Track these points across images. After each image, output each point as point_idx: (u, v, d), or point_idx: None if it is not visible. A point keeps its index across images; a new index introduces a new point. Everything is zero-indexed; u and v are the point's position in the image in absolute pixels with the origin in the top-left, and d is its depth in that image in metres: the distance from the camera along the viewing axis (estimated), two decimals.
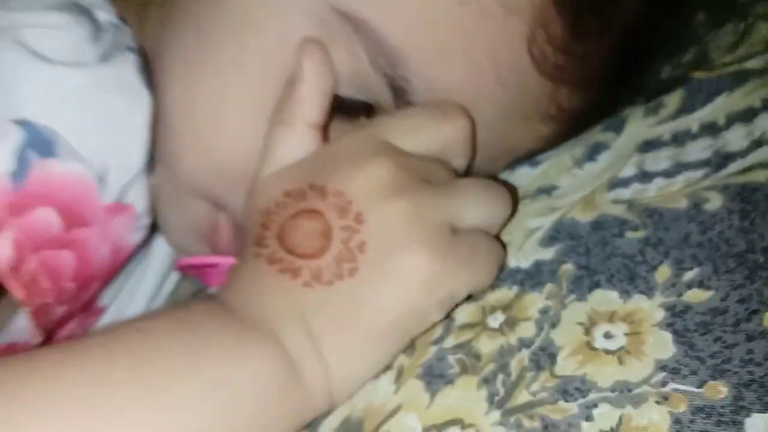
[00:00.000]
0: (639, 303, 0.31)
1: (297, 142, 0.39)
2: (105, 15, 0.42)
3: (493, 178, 0.43)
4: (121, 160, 0.40)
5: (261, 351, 0.34)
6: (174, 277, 0.56)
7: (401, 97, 0.39)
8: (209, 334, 0.35)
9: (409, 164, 0.37)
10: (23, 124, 0.36)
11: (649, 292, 0.32)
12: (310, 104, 0.39)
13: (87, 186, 0.39)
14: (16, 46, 0.37)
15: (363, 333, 0.35)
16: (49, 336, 0.42)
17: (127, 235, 0.42)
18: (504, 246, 0.38)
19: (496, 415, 0.30)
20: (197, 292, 0.55)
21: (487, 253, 0.37)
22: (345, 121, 0.41)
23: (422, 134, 0.39)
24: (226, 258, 0.44)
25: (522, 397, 0.30)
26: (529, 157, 0.45)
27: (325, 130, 0.40)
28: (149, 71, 0.41)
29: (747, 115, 0.38)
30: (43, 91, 0.37)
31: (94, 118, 0.39)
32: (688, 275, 0.31)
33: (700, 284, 0.31)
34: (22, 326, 0.40)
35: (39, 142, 0.37)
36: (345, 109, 0.41)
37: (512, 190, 0.41)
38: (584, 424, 0.28)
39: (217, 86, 0.41)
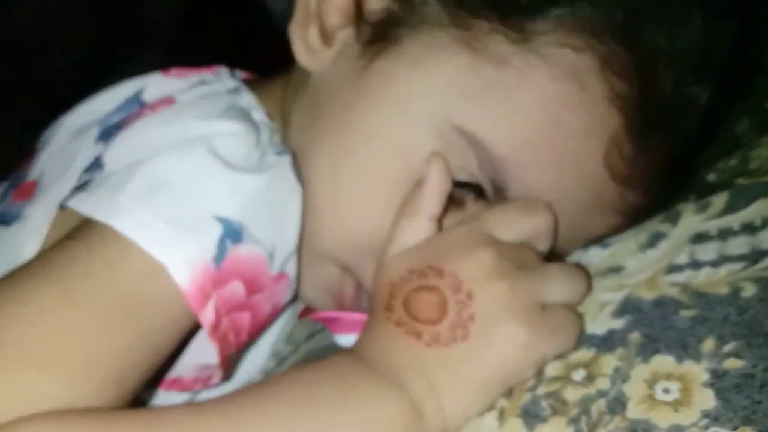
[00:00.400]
0: (690, 366, 0.40)
1: (418, 230, 0.47)
2: (259, 115, 0.52)
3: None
4: (283, 241, 0.49)
5: (393, 396, 0.42)
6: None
7: (499, 194, 0.48)
8: (353, 382, 0.43)
9: (508, 253, 0.45)
10: (221, 219, 0.45)
11: (697, 358, 0.40)
12: (432, 202, 0.47)
13: (263, 262, 0.47)
14: (210, 155, 0.46)
15: (472, 384, 0.43)
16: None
17: (284, 297, 0.51)
18: (581, 317, 0.46)
19: None
20: (311, 335, 0.65)
21: (569, 323, 0.45)
22: (454, 210, 0.49)
23: (516, 225, 0.47)
24: (350, 313, 0.52)
25: None
26: (600, 240, 0.52)
27: (439, 220, 0.48)
28: (296, 166, 0.51)
29: None
30: (233, 193, 0.46)
31: (267, 211, 0.47)
32: (727, 347, 0.40)
33: (736, 355, 0.39)
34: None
35: (232, 233, 0.45)
36: (455, 200, 0.49)
37: (586, 272, 0.49)
38: None
39: (354, 181, 0.50)
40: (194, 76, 0.55)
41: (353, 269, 0.52)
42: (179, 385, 0.52)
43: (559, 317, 0.45)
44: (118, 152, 0.49)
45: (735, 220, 0.49)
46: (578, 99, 0.46)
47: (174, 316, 0.45)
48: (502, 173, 0.47)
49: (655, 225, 0.51)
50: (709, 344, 0.41)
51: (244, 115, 0.51)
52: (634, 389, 0.40)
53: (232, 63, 0.60)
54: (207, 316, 0.45)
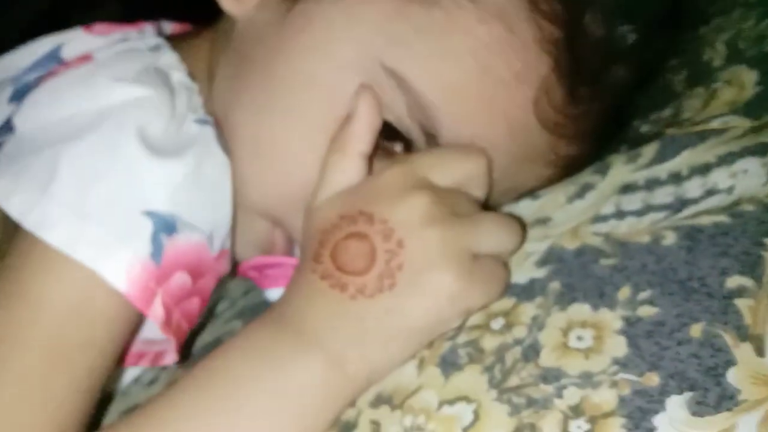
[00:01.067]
0: (604, 314, 0.40)
1: (349, 168, 0.46)
2: (179, 76, 0.50)
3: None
4: (220, 220, 0.49)
5: (311, 359, 0.42)
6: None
7: (431, 140, 0.47)
8: (269, 352, 0.43)
9: (441, 198, 0.44)
10: (151, 214, 0.44)
11: (612, 306, 0.40)
12: (362, 137, 0.46)
13: (203, 247, 0.47)
14: (133, 141, 0.45)
15: (398, 334, 0.43)
16: None
17: (226, 269, 0.52)
18: (509, 268, 0.46)
19: (493, 393, 0.39)
20: (247, 291, 0.65)
21: (497, 275, 0.44)
22: (384, 157, 0.48)
23: (451, 169, 0.46)
24: (285, 258, 0.52)
25: (513, 380, 0.39)
26: (531, 192, 0.52)
27: (369, 163, 0.47)
28: (221, 127, 0.50)
29: (704, 169, 0.46)
30: (160, 184, 0.45)
31: (198, 195, 0.47)
32: (642, 295, 0.40)
33: (650, 302, 0.39)
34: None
35: (165, 226, 0.45)
36: (385, 147, 0.48)
37: (522, 224, 0.48)
38: (556, 401, 0.37)
39: (281, 128, 0.49)
40: (117, 33, 0.54)
41: (283, 222, 0.52)
42: (122, 360, 0.52)
43: (488, 268, 0.44)
44: (28, 113, 0.48)
45: (663, 170, 0.49)
46: (507, 43, 0.45)
47: (122, 319, 0.45)
48: (432, 120, 0.46)
49: (584, 176, 0.52)
50: (625, 292, 0.41)
51: (161, 78, 0.49)
52: (548, 337, 0.41)
53: (193, 14, 0.59)
54: (156, 313, 0.45)
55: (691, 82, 0.55)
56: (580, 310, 0.41)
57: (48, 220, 0.43)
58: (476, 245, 0.44)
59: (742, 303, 0.37)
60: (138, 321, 0.47)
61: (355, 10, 0.48)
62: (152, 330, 0.50)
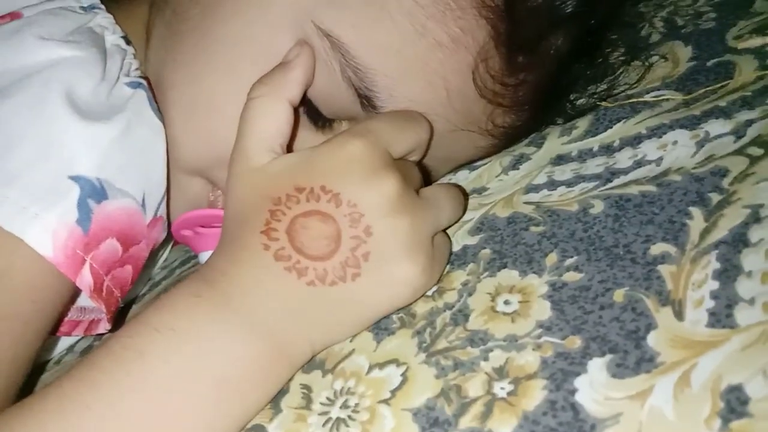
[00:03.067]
0: (532, 280, 0.41)
1: (279, 112, 0.43)
2: (113, 38, 0.49)
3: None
4: (153, 185, 0.48)
5: (261, 350, 0.39)
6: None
7: (367, 104, 0.46)
8: (212, 346, 0.39)
9: (407, 176, 0.42)
10: (77, 179, 0.43)
11: (540, 272, 0.41)
12: (295, 85, 0.44)
13: (135, 214, 0.46)
14: (59, 102, 0.43)
15: (354, 323, 0.42)
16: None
17: (160, 237, 0.50)
18: (450, 241, 0.46)
19: (422, 356, 0.39)
20: (185, 260, 0.64)
21: (446, 252, 0.45)
22: (310, 131, 0.48)
23: (404, 138, 0.44)
24: (216, 210, 0.49)
25: (442, 344, 0.39)
26: (469, 163, 0.53)
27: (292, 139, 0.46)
28: (153, 91, 0.49)
29: (634, 140, 0.47)
30: (88, 148, 0.43)
31: (128, 159, 0.45)
32: (569, 261, 0.41)
33: (576, 268, 0.40)
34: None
35: (93, 192, 0.43)
36: (313, 119, 0.48)
37: (465, 193, 0.49)
38: (482, 363, 0.37)
39: (216, 86, 0.48)
40: None
41: (219, 182, 0.51)
42: (55, 329, 0.51)
43: (441, 247, 0.44)
44: None
45: (595, 142, 0.50)
46: (445, 6, 0.45)
47: (50, 289, 0.44)
48: (366, 82, 0.45)
49: (520, 148, 0.52)
50: (552, 258, 0.42)
51: (94, 39, 0.48)
52: (477, 302, 0.41)
53: None
54: (84, 280, 0.44)
55: (628, 57, 0.56)
56: (509, 275, 0.42)
57: None
58: (437, 227, 0.44)
59: (664, 269, 0.38)
60: (69, 291, 0.46)
61: None
62: (85, 298, 0.49)
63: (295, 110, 0.45)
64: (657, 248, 0.39)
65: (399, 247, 0.40)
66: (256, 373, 0.40)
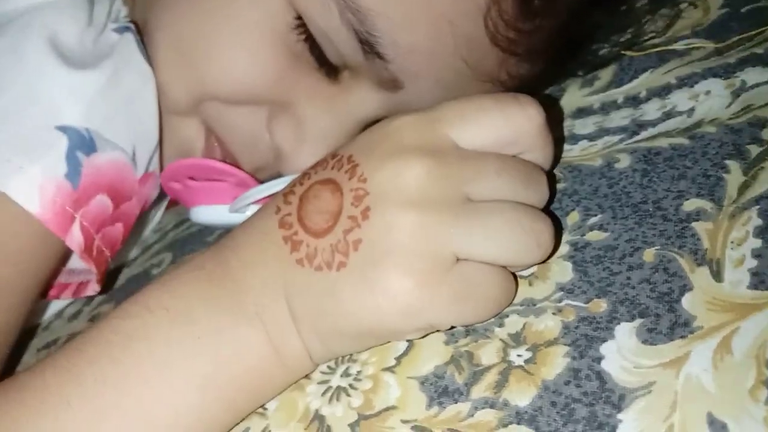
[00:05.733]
0: None
1: None
2: None
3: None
4: (144, 136, 0.45)
5: (245, 337, 0.34)
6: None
7: (369, 50, 0.42)
8: (198, 330, 0.34)
9: (451, 169, 0.33)
10: (65, 129, 0.40)
11: (560, 232, 0.37)
12: None
13: (125, 167, 0.43)
14: (43, 47, 0.40)
15: (338, 330, 0.34)
16: None
17: (153, 195, 0.48)
18: (514, 284, 0.35)
19: None
20: (178, 224, 0.61)
21: (485, 293, 0.33)
22: (317, 76, 0.45)
23: (486, 122, 0.35)
24: (205, 160, 0.47)
25: None
26: None
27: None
28: (141, 35, 0.46)
29: (663, 91, 0.44)
30: (74, 97, 0.41)
31: (117, 109, 0.43)
32: (592, 220, 0.37)
33: (600, 227, 0.36)
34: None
35: (82, 143, 0.40)
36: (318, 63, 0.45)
37: (558, 225, 0.38)
38: (496, 329, 0.34)
39: (207, 25, 0.45)
40: None
41: (213, 124, 0.48)
42: (44, 293, 0.48)
43: (472, 280, 0.33)
44: None
45: (620, 93, 0.46)
46: None
47: (37, 250, 0.41)
48: (366, 25, 0.42)
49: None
50: (573, 217, 0.38)
51: None
52: None
53: None
54: (74, 239, 0.41)
55: (654, 3, 0.52)
56: None
57: None
58: (464, 248, 0.32)
59: (699, 226, 0.34)
60: (57, 252, 0.43)
61: None
62: (73, 259, 0.46)
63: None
64: (690, 204, 0.36)
65: (394, 247, 0.32)
66: (246, 369, 0.34)
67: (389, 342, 0.35)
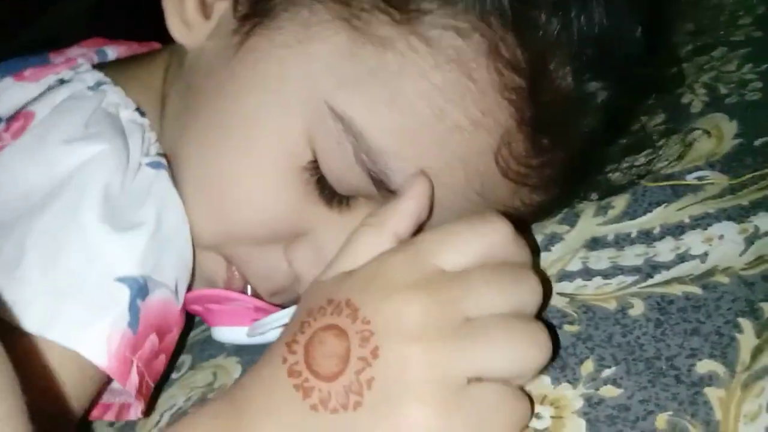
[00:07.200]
0: (565, 390, 0.37)
1: (379, 244, 0.39)
2: (128, 114, 0.48)
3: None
4: (183, 269, 0.46)
5: None
6: None
7: (381, 186, 0.44)
8: None
9: (445, 296, 0.36)
10: (124, 280, 0.42)
11: (574, 382, 0.38)
12: (405, 219, 0.41)
13: (170, 302, 0.45)
14: (87, 209, 0.42)
15: None
16: None
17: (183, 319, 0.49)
18: (532, 401, 0.37)
19: None
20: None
21: (502, 413, 0.35)
22: (325, 208, 0.46)
23: (462, 245, 0.38)
24: (223, 291, 0.49)
25: None
26: None
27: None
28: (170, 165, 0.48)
29: (677, 230, 0.44)
30: (127, 252, 0.43)
31: (163, 250, 0.44)
32: (606, 372, 0.37)
33: (614, 382, 0.37)
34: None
35: (140, 290, 0.42)
36: (327, 197, 0.46)
37: (554, 334, 0.40)
38: None
39: (228, 164, 0.46)
40: (50, 75, 0.50)
41: (233, 259, 0.49)
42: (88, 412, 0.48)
43: (487, 401, 0.34)
44: None
45: (633, 226, 0.46)
46: (464, 89, 0.42)
47: (96, 388, 0.44)
48: (380, 165, 0.43)
49: (552, 225, 0.49)
50: (588, 366, 0.39)
51: (110, 121, 0.47)
52: None
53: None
54: (132, 383, 0.43)
55: (668, 127, 0.53)
56: (541, 382, 0.39)
57: (22, 302, 0.40)
58: (475, 368, 0.34)
59: (712, 393, 0.35)
60: (102, 383, 0.45)
61: (307, 48, 0.44)
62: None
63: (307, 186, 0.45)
64: (703, 366, 0.36)
65: (407, 380, 0.34)
66: None
67: None
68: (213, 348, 0.54)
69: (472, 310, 0.36)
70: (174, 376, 0.54)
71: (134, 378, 0.42)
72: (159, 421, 0.49)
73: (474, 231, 0.38)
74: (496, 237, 0.38)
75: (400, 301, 0.35)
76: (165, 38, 0.52)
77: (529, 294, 0.38)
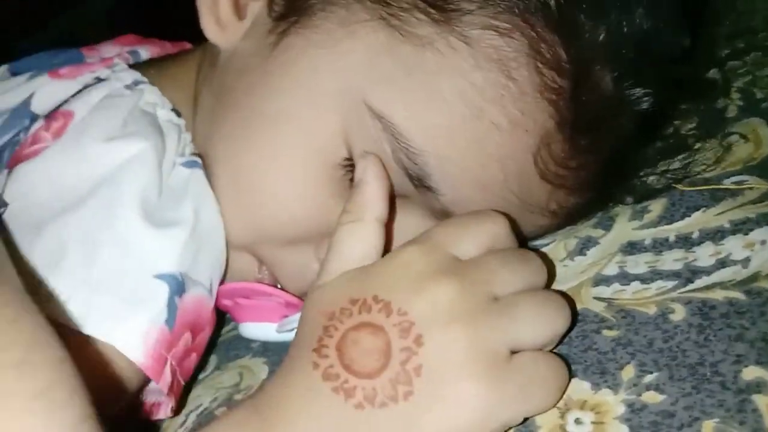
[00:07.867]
0: (606, 396, 0.37)
1: (366, 235, 0.40)
2: (164, 113, 0.48)
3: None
4: (217, 268, 0.47)
5: None
6: None
7: (420, 184, 0.43)
8: None
9: (472, 279, 0.37)
10: (163, 276, 0.42)
11: (615, 387, 0.37)
12: (378, 202, 0.41)
13: (204, 300, 0.45)
14: (126, 205, 0.43)
15: None
16: None
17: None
18: (564, 365, 0.38)
19: None
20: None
21: (545, 378, 0.37)
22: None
23: (471, 236, 0.40)
24: (255, 284, 0.49)
25: None
26: (529, 240, 0.49)
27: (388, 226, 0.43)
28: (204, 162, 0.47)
29: (717, 235, 0.43)
30: (166, 249, 0.43)
31: (200, 248, 0.45)
32: (648, 378, 0.37)
33: (657, 387, 0.36)
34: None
35: (177, 287, 0.42)
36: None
37: (567, 298, 0.40)
38: None
39: (261, 163, 0.46)
40: (86, 73, 0.50)
41: (264, 259, 0.49)
42: None
43: (531, 370, 0.36)
44: (20, 188, 0.45)
45: (671, 230, 0.46)
46: (504, 89, 0.42)
47: (131, 387, 0.43)
48: (418, 162, 0.43)
49: (587, 229, 0.49)
50: (629, 372, 0.38)
51: (148, 119, 0.47)
52: (545, 418, 0.37)
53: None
54: (165, 380, 0.42)
55: (703, 132, 0.52)
56: (580, 387, 0.38)
57: (62, 298, 0.40)
58: (513, 341, 0.37)
59: (760, 400, 0.34)
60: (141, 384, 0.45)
61: (344, 47, 0.44)
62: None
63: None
64: (750, 372, 0.35)
65: (455, 360, 0.35)
66: None
67: None
68: (239, 348, 0.54)
69: (498, 290, 0.38)
70: (200, 377, 0.53)
71: (167, 376, 0.42)
72: (185, 422, 0.49)
73: (480, 223, 0.41)
74: (498, 228, 0.41)
75: (433, 288, 0.37)
76: (186, 37, 0.52)
77: (537, 272, 0.40)
